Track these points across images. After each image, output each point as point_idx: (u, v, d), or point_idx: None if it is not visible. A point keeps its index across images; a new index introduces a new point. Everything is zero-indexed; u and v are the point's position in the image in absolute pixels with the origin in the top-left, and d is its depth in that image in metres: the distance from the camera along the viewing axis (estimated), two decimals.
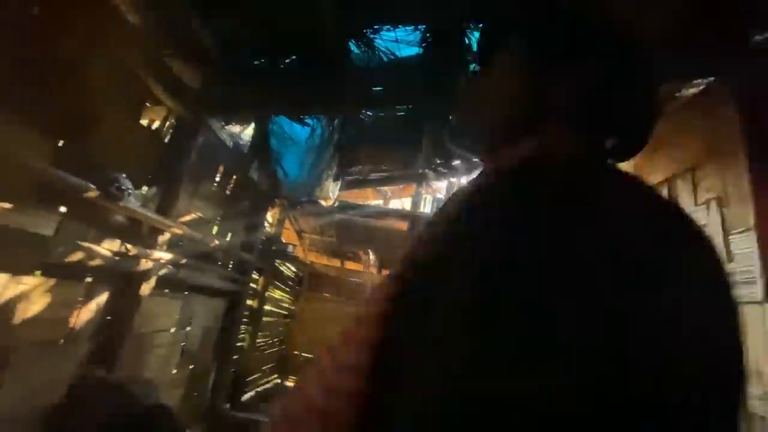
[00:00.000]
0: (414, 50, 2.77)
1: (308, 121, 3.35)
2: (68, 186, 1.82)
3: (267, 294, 5.45)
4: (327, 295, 6.85)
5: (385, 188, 6.63)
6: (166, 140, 2.80)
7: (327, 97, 2.81)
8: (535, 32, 0.58)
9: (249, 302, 4.90)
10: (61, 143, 1.92)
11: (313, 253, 7.36)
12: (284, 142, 3.42)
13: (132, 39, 2.24)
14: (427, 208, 6.02)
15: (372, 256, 6.72)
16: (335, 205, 4.61)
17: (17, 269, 1.66)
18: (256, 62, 2.75)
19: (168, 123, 2.81)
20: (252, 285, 4.94)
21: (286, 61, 2.77)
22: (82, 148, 1.98)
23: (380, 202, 6.81)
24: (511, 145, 0.54)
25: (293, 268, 6.65)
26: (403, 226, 5.31)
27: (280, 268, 6.00)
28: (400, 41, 2.63)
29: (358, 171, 4.75)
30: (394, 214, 5.66)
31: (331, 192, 4.01)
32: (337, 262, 7.40)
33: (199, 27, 2.38)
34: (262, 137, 3.34)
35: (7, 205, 1.60)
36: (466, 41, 2.65)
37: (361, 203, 6.09)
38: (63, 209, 1.90)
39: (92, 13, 2.03)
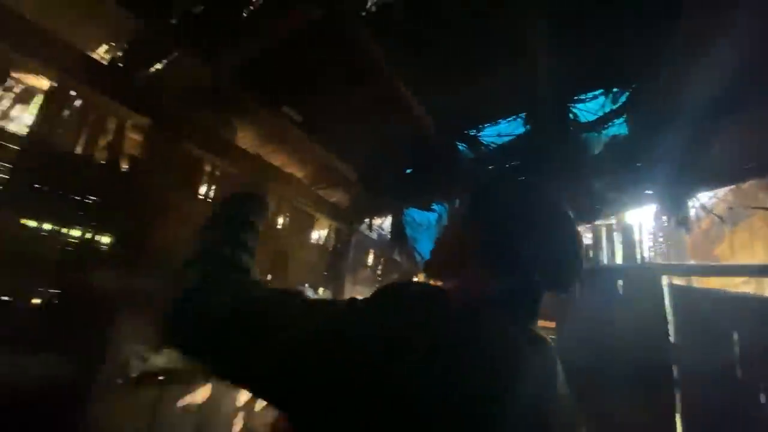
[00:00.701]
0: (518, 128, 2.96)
1: (434, 207, 3.80)
2: None
3: None
4: None
5: None
6: (330, 249, 3.63)
7: (444, 188, 3.22)
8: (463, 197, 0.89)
9: None
10: (269, 277, 2.81)
11: None
12: (417, 228, 3.93)
13: (306, 190, 3.15)
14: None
15: None
16: None
17: None
18: (386, 177, 3.38)
19: (330, 236, 3.65)
20: None
21: (407, 171, 3.32)
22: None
23: None
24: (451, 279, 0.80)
25: None
26: None
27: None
28: (501, 135, 2.87)
29: None
30: None
31: None
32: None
33: (351, 171, 3.17)
34: (398, 227, 3.93)
35: None
36: (571, 116, 2.72)
37: None
38: None
39: (285, 183, 2.98)
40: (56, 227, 1.75)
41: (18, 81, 1.88)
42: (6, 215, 1.58)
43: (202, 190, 2.54)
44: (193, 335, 0.64)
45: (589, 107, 2.65)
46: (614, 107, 2.62)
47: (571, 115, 2.73)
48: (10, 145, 1.65)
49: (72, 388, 1.67)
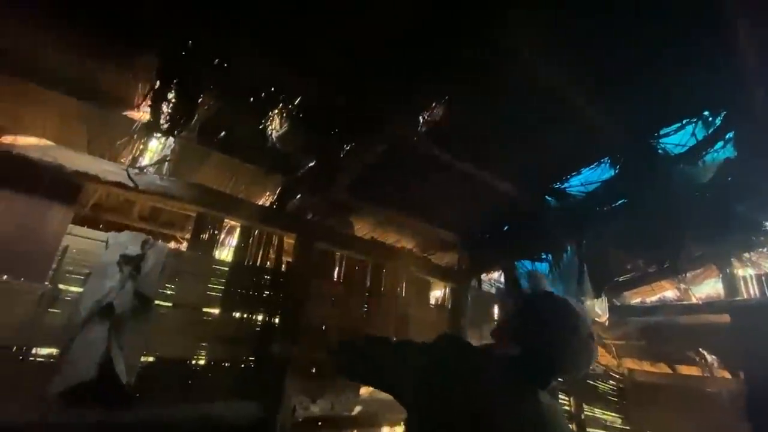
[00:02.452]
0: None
1: (543, 256, 3.83)
2: None
3: (584, 415, 5.30)
4: (660, 408, 5.69)
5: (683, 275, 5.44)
6: (449, 307, 4.01)
7: (541, 240, 3.33)
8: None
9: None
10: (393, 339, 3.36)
11: (630, 360, 6.52)
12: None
13: (418, 259, 3.73)
14: (750, 288, 4.42)
15: (710, 357, 5.28)
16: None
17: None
18: (483, 238, 3.69)
19: (447, 296, 4.06)
20: (565, 407, 5.06)
21: (505, 228, 3.57)
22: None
23: (675, 291, 5.56)
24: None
25: (611, 382, 6.11)
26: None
27: (592, 384, 5.73)
28: (585, 183, 2.92)
29: (629, 271, 4.49)
30: (701, 308, 4.55)
31: (600, 309, 4.02)
32: (664, 368, 6.15)
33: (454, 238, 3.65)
34: (511, 280, 4.06)
35: None
36: (659, 151, 2.64)
37: (655, 302, 5.27)
38: None
39: (399, 257, 3.63)
40: (249, 315, 2.74)
41: (228, 224, 3.05)
42: (225, 313, 2.60)
43: (335, 274, 3.37)
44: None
45: (675, 140, 2.53)
46: (708, 132, 2.45)
47: (660, 151, 2.64)
48: (223, 267, 2.74)
49: (261, 426, 2.48)
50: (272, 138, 2.39)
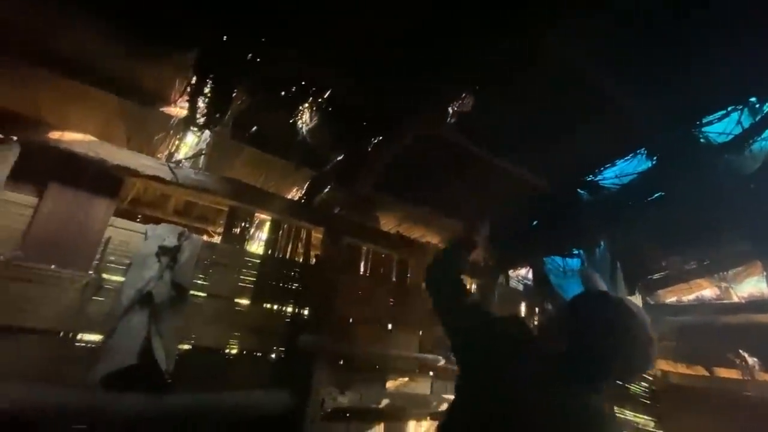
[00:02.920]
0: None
1: (574, 251, 3.73)
2: (431, 360, 3.13)
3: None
4: (696, 412, 5.44)
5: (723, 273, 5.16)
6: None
7: (572, 235, 3.23)
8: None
9: None
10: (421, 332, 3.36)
11: (663, 361, 6.27)
12: (560, 275, 3.88)
13: None
14: None
15: (751, 359, 5.01)
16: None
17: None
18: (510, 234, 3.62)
19: (473, 289, 4.01)
20: None
21: (534, 223, 3.49)
22: (431, 338, 3.35)
23: (714, 290, 5.27)
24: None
25: (642, 384, 5.89)
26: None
27: (625, 386, 5.54)
28: (620, 175, 2.82)
29: (664, 269, 4.31)
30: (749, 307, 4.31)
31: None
32: (701, 370, 5.88)
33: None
34: (540, 276, 3.98)
35: (405, 379, 3.02)
36: (701, 140, 2.52)
37: (691, 300, 5.03)
38: (431, 374, 3.21)
39: (424, 252, 3.61)
40: (279, 307, 2.78)
41: (259, 217, 3.12)
42: (256, 304, 2.66)
43: (362, 268, 3.39)
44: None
45: (718, 128, 2.41)
46: (755, 119, 2.32)
47: (702, 140, 2.52)
48: (255, 260, 2.80)
49: (291, 415, 2.52)
50: (302, 132, 2.42)
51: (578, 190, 3.10)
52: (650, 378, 5.98)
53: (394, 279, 3.51)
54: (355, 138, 2.56)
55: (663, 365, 6.31)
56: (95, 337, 2.20)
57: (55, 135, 2.18)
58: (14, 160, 2.08)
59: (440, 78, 2.04)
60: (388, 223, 3.67)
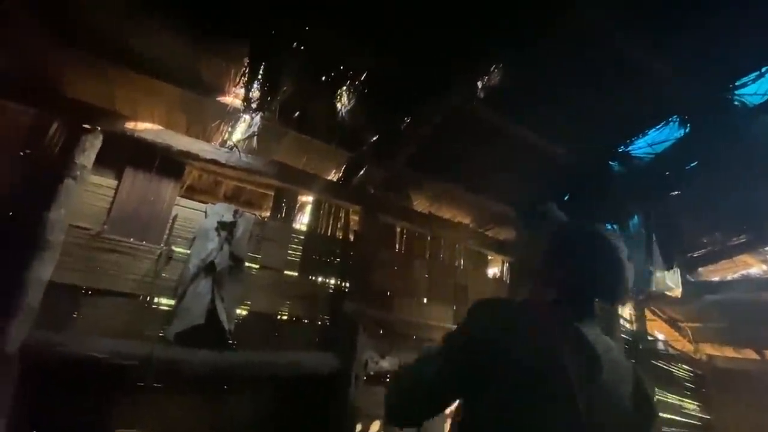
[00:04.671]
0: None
1: (608, 226, 3.74)
2: None
3: (656, 398, 5.04)
4: (745, 397, 5.23)
5: None
6: (507, 281, 4.05)
7: (604, 208, 3.27)
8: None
9: None
10: (454, 307, 3.50)
11: (707, 345, 6.06)
12: None
13: (475, 233, 3.82)
14: None
15: None
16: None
17: None
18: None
19: (504, 270, 4.11)
20: None
21: (565, 198, 3.54)
22: (463, 311, 3.48)
23: (762, 266, 5.01)
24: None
25: (685, 367, 5.73)
26: None
27: (666, 368, 5.42)
28: (653, 144, 2.84)
29: (705, 245, 4.22)
30: None
31: (671, 282, 3.84)
32: (750, 354, 5.63)
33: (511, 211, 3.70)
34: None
35: None
36: (736, 103, 2.51)
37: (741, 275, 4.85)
38: None
39: (456, 230, 3.76)
40: (323, 279, 3.02)
41: (301, 199, 3.36)
42: (302, 275, 2.91)
43: (397, 244, 3.57)
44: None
45: (752, 89, 2.40)
46: None
47: (737, 103, 2.51)
48: (300, 236, 3.05)
49: (338, 376, 2.75)
50: (341, 114, 2.63)
51: (609, 161, 3.13)
52: (690, 361, 5.80)
53: (427, 256, 3.67)
54: (388, 118, 2.74)
55: (708, 349, 6.10)
56: (169, 301, 2.51)
57: (129, 125, 2.51)
58: (99, 148, 2.42)
59: (470, 53, 2.18)
60: (420, 204, 3.83)
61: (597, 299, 1.07)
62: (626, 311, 5.44)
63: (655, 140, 2.87)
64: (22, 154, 2.33)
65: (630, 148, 3.00)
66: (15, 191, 2.23)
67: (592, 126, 2.82)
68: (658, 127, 2.84)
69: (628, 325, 5.31)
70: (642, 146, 2.94)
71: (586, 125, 2.80)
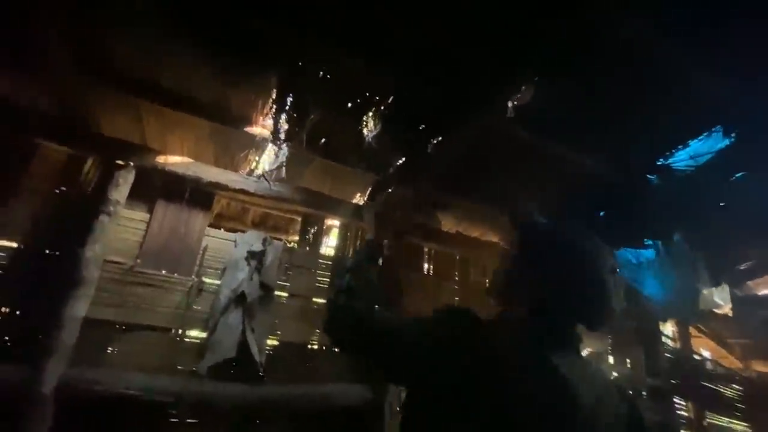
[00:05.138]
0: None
1: (647, 242, 3.55)
2: None
3: (705, 423, 4.73)
4: None
5: None
6: None
7: (647, 225, 3.10)
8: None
9: None
10: None
11: (758, 362, 5.67)
12: (632, 268, 3.70)
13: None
14: None
15: None
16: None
17: None
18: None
19: None
20: (683, 413, 4.60)
21: (600, 214, 3.39)
22: None
23: None
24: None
25: (735, 387, 5.35)
26: None
27: (714, 388, 5.07)
28: (695, 156, 2.69)
29: (750, 258, 3.96)
30: None
31: (720, 299, 3.61)
32: None
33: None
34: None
35: None
36: None
37: None
38: None
39: (485, 249, 3.64)
40: None
41: (328, 222, 3.34)
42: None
43: (424, 265, 3.48)
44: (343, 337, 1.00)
45: None
46: None
47: None
48: (327, 261, 3.00)
49: (371, 408, 2.65)
50: (367, 139, 2.59)
51: (647, 175, 2.98)
52: (741, 380, 5.43)
53: (457, 277, 3.56)
54: (415, 140, 2.69)
55: (759, 366, 5.70)
56: (200, 333, 2.49)
57: (160, 158, 2.54)
58: (131, 182, 2.45)
59: (500, 72, 2.11)
60: (447, 223, 3.74)
61: (572, 321, 0.88)
62: (668, 328, 5.16)
63: (697, 152, 2.72)
64: (57, 191, 2.38)
65: (670, 160, 2.84)
66: (52, 228, 2.27)
67: (630, 139, 2.69)
68: (700, 137, 2.68)
69: (671, 343, 5.03)
70: (683, 158, 2.78)
71: (622, 140, 2.68)
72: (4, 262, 2.16)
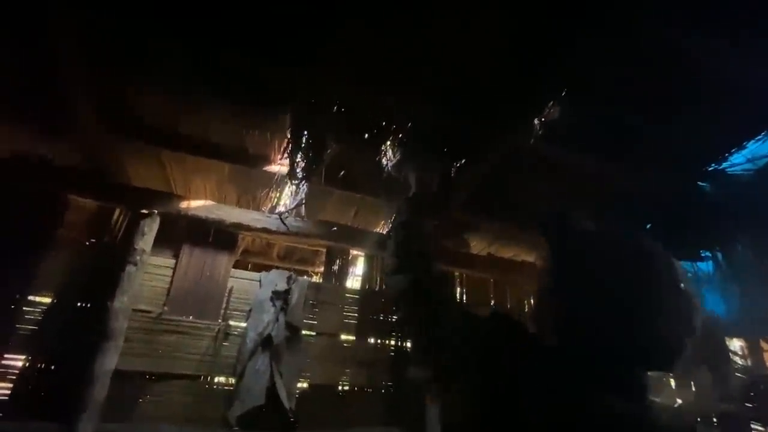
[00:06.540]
0: None
1: (704, 254, 3.21)
2: None
3: None
4: None
5: None
6: None
7: (701, 236, 2.80)
8: None
9: None
10: None
11: None
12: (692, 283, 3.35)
13: None
14: None
15: None
16: None
17: None
18: None
19: None
20: None
21: (647, 227, 3.10)
22: None
23: None
24: None
25: None
26: None
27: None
28: (752, 159, 2.40)
29: None
30: None
31: None
32: None
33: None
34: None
35: None
36: None
37: None
38: None
39: (517, 271, 3.42)
40: (382, 341, 2.83)
41: (353, 254, 3.25)
42: (360, 338, 2.73)
43: (458, 293, 3.30)
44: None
45: None
46: None
47: None
48: (354, 295, 2.90)
49: None
50: (387, 168, 2.50)
51: (699, 182, 2.70)
52: None
53: (492, 302, 3.35)
54: (438, 164, 2.57)
55: None
56: (228, 379, 2.43)
57: (183, 204, 2.55)
58: (156, 230, 2.47)
59: (525, 89, 1.98)
60: (478, 246, 3.56)
61: (625, 358, 0.61)
62: (735, 343, 4.65)
63: (755, 154, 2.43)
64: (87, 243, 2.43)
65: (724, 165, 2.56)
66: (82, 281, 2.31)
67: (676, 146, 2.45)
68: (757, 138, 2.40)
69: (739, 361, 4.51)
70: (739, 162, 2.50)
71: (668, 147, 2.44)
72: (40, 317, 2.21)
